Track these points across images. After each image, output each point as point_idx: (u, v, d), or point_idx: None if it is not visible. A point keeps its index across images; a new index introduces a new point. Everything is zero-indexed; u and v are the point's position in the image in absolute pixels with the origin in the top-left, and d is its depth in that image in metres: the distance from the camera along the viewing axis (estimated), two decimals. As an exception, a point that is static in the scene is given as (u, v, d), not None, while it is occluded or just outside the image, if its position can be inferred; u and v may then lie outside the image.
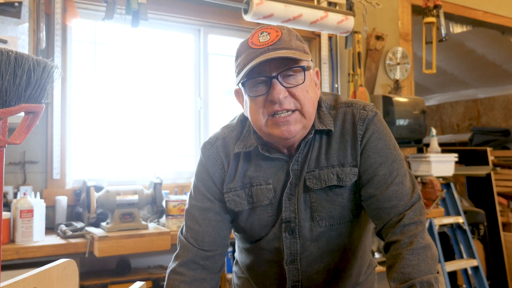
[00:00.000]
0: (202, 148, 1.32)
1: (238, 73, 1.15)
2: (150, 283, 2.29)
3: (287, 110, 1.11)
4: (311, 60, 1.18)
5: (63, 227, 2.17)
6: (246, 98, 1.18)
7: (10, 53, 0.96)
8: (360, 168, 1.19)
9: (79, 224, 2.21)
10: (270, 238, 1.27)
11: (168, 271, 1.29)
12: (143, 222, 2.25)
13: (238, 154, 1.26)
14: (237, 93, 1.25)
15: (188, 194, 1.35)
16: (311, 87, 1.16)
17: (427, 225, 2.95)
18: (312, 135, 1.19)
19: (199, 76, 2.92)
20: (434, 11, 3.14)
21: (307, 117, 1.14)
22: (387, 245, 1.16)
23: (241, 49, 1.16)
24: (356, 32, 3.08)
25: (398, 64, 3.50)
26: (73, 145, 2.56)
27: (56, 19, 2.30)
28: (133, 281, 2.23)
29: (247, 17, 2.46)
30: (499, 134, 4.85)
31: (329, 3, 2.95)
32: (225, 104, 3.06)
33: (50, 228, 2.30)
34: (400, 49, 3.52)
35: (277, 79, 1.10)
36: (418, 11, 3.68)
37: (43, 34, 2.18)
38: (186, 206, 1.33)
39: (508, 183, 4.48)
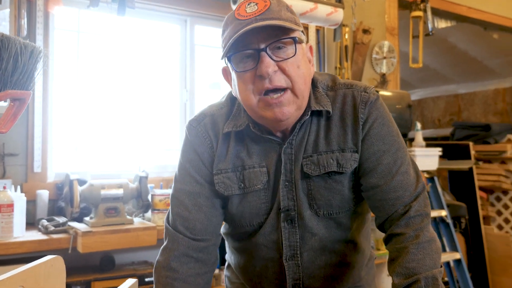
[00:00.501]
0: (188, 126, 1.22)
1: (224, 47, 1.07)
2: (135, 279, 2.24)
3: (278, 89, 1.04)
4: (303, 31, 1.10)
5: (44, 222, 2.09)
6: (233, 75, 1.10)
7: (-4, 35, 0.89)
8: (362, 155, 1.13)
9: (61, 219, 2.14)
10: (267, 230, 1.19)
11: (156, 266, 1.19)
12: (128, 217, 2.19)
13: (228, 133, 1.18)
14: (225, 72, 1.17)
15: (174, 177, 1.24)
16: (303, 62, 1.08)
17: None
18: (308, 116, 1.12)
19: (185, 68, 2.85)
20: (422, 5, 3.14)
21: (299, 95, 1.06)
22: (390, 237, 1.11)
23: (227, 22, 1.08)
24: (343, 25, 3.06)
25: (385, 58, 3.50)
26: (55, 137, 2.48)
27: (38, 6, 2.21)
28: (118, 278, 2.18)
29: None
30: (479, 129, 4.89)
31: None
32: (211, 97, 3.00)
33: (31, 223, 2.22)
34: (386, 43, 3.51)
35: (266, 52, 1.02)
36: (404, 6, 3.68)
37: (24, 21, 2.09)
38: (172, 191, 1.22)
39: (488, 177, 4.54)
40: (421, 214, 1.09)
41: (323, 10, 2.62)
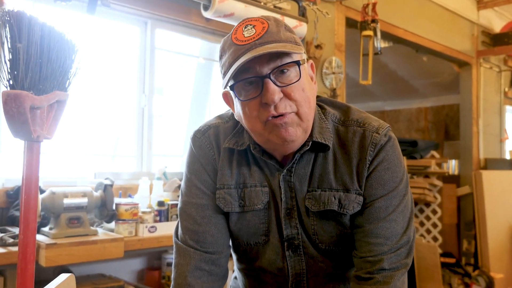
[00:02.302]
0: (193, 137, 1.20)
1: (224, 74, 1.04)
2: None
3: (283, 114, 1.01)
4: (305, 52, 1.07)
5: (-2, 233, 1.89)
6: (236, 102, 1.07)
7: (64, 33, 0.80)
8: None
9: (17, 230, 1.94)
10: (272, 258, 1.18)
11: (173, 284, 1.15)
12: (92, 228, 2.05)
13: (232, 149, 1.16)
14: (226, 96, 1.13)
15: (180, 190, 1.22)
16: (307, 83, 1.05)
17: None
18: (308, 147, 1.09)
19: (144, 72, 2.74)
20: (372, 25, 3.29)
21: (304, 119, 1.03)
22: (357, 277, 1.11)
23: (224, 47, 1.05)
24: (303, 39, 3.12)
25: (333, 73, 3.61)
26: (3, 140, 2.25)
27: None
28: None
29: (207, 14, 2.37)
30: (407, 145, 5.21)
31: (274, 7, 2.95)
32: (169, 102, 2.92)
33: (-21, 234, 1.98)
34: (335, 59, 3.63)
35: (270, 78, 0.99)
36: (350, 24, 3.84)
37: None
38: (179, 205, 1.20)
39: (414, 190, 4.84)
40: (396, 267, 1.08)
41: (289, 23, 2.66)
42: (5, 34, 0.62)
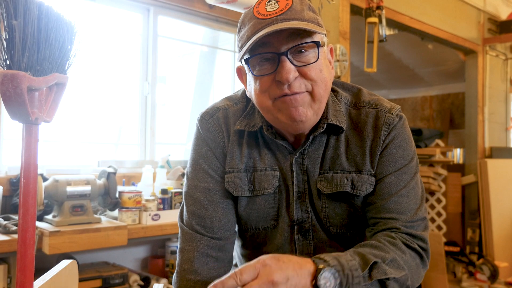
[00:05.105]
0: (200, 119, 1.17)
1: (241, 48, 1.02)
2: (100, 281, 2.09)
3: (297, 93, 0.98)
4: (325, 34, 1.04)
5: (1, 221, 1.88)
6: (249, 77, 1.05)
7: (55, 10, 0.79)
8: None
9: (20, 218, 1.94)
10: (280, 243, 1.16)
11: (177, 269, 1.13)
12: (95, 216, 2.04)
13: (242, 131, 1.13)
14: (240, 72, 1.12)
15: (185, 173, 1.20)
16: (325, 66, 1.02)
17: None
18: (323, 129, 1.07)
19: (147, 59, 2.72)
20: (377, 11, 3.25)
21: (317, 100, 1.00)
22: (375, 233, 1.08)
23: (244, 20, 1.02)
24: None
25: (338, 61, 3.58)
26: (5, 127, 2.25)
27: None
28: (81, 280, 2.02)
29: (211, 0, 2.34)
30: (412, 133, 5.18)
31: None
32: (172, 91, 2.90)
33: (-18, 222, 1.98)
34: (340, 46, 3.60)
35: (287, 56, 0.96)
36: (354, 11, 3.80)
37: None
38: (185, 188, 1.17)
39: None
40: (411, 244, 1.04)
41: (293, 9, 2.62)
42: (1, 11, 0.61)
